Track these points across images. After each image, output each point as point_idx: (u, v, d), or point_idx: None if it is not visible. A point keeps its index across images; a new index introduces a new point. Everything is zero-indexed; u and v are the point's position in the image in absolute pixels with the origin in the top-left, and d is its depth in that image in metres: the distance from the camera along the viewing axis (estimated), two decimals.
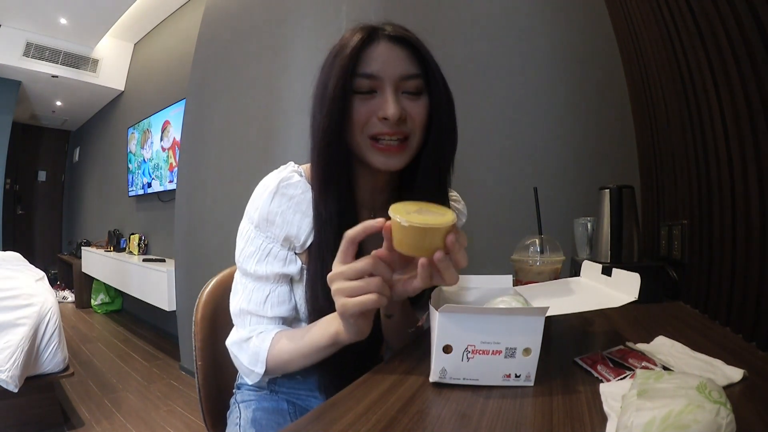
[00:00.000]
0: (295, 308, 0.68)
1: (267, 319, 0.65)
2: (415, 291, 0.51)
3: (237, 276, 0.68)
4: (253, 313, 0.64)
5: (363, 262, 0.49)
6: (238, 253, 0.65)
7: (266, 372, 0.61)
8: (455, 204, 0.78)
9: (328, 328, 0.56)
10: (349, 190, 0.61)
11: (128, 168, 4.08)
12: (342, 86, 0.56)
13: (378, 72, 0.56)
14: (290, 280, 0.66)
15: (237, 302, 0.66)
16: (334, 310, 0.57)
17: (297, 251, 0.65)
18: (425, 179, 0.62)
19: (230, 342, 0.65)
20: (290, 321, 0.68)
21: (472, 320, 0.44)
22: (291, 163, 0.68)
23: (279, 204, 0.62)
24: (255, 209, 0.62)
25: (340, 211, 0.60)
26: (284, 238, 0.63)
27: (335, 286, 0.50)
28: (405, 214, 0.46)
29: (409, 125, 0.58)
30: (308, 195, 0.63)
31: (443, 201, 0.67)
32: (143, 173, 3.80)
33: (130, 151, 4.06)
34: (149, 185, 3.70)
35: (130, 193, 4.03)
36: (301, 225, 0.63)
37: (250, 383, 0.65)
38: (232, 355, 0.65)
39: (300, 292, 0.66)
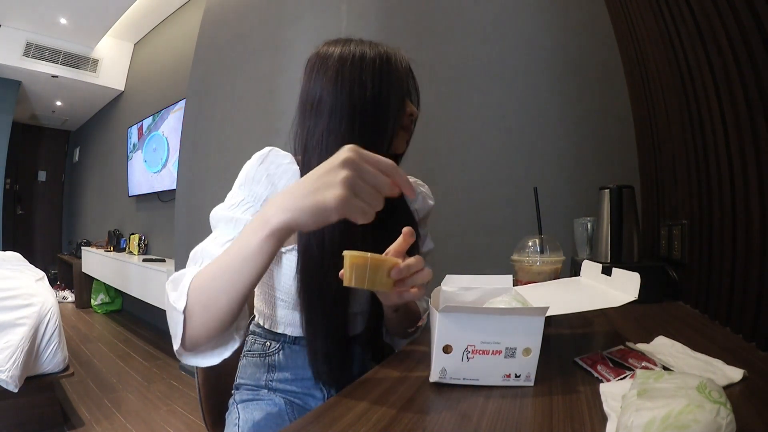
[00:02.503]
0: (272, 291, 0.69)
1: None
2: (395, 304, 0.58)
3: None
4: (209, 254, 0.58)
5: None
6: (215, 209, 0.65)
7: (188, 305, 0.50)
8: (420, 187, 0.86)
9: (258, 217, 0.47)
10: None
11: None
12: (396, 116, 0.69)
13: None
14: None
15: (196, 246, 0.61)
16: (328, 286, 0.61)
17: None
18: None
19: (169, 283, 0.54)
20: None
21: (473, 320, 0.44)
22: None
23: (266, 167, 0.67)
24: (243, 172, 0.67)
25: None
26: (265, 198, 0.65)
27: (348, 173, 0.42)
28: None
29: None
30: (293, 167, 0.68)
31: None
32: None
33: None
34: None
35: (131, 193, 4.03)
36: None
37: (175, 347, 0.53)
38: (166, 303, 0.53)
39: (289, 273, 0.67)
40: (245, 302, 0.52)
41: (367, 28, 1.80)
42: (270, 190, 0.66)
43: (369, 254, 0.49)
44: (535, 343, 0.44)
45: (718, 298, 0.76)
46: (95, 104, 5.00)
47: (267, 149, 0.69)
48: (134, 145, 4.01)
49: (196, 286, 0.51)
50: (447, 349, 0.45)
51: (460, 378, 0.46)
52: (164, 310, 0.54)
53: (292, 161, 0.69)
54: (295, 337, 0.71)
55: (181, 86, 3.14)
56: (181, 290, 0.51)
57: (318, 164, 0.46)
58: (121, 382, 2.46)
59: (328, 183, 0.42)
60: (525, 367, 0.45)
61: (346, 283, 0.49)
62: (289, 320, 0.71)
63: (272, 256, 0.48)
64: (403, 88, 0.69)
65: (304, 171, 0.66)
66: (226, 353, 0.54)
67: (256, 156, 0.68)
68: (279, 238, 0.46)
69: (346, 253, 0.49)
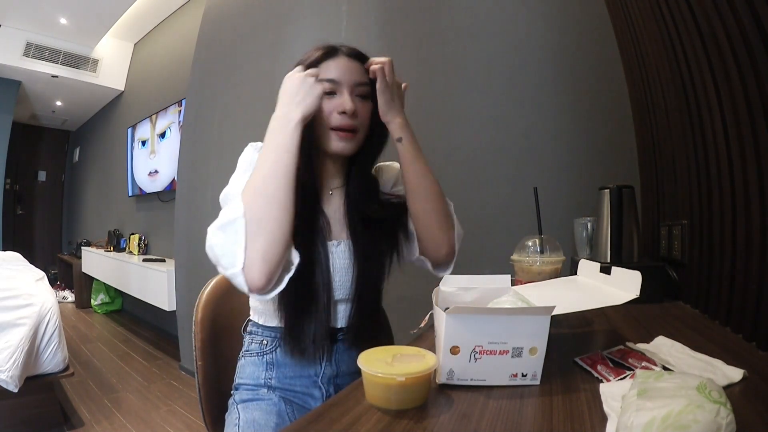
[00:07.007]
0: None
1: None
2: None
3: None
4: (238, 190, 0.64)
5: None
6: (224, 190, 0.69)
7: (245, 211, 0.59)
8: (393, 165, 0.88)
9: (276, 120, 0.65)
10: (312, 172, 0.73)
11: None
12: None
13: (338, 78, 0.71)
14: None
15: (225, 189, 0.69)
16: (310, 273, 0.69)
17: None
18: (365, 165, 0.79)
19: (212, 226, 0.62)
20: None
21: (480, 321, 0.44)
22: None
23: None
24: (244, 159, 0.73)
25: (306, 182, 0.70)
26: None
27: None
28: (384, 366, 0.41)
29: (359, 120, 0.73)
30: None
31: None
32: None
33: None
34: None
35: (131, 192, 4.03)
36: None
37: (227, 273, 0.60)
38: (209, 246, 0.61)
39: None
40: (293, 199, 0.62)
41: (367, 28, 1.80)
42: None
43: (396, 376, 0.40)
44: (542, 343, 0.44)
45: (718, 298, 0.76)
46: (95, 104, 5.00)
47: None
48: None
49: (247, 191, 0.62)
50: (454, 351, 0.44)
51: (468, 379, 0.45)
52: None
53: None
54: None
55: (181, 86, 3.14)
56: (234, 202, 0.61)
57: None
58: (121, 382, 2.46)
59: (306, 91, 0.66)
60: (531, 366, 0.45)
61: (385, 404, 0.41)
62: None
63: (298, 147, 0.63)
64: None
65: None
66: (284, 281, 0.62)
67: (253, 145, 0.75)
68: (300, 129, 0.64)
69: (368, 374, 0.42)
